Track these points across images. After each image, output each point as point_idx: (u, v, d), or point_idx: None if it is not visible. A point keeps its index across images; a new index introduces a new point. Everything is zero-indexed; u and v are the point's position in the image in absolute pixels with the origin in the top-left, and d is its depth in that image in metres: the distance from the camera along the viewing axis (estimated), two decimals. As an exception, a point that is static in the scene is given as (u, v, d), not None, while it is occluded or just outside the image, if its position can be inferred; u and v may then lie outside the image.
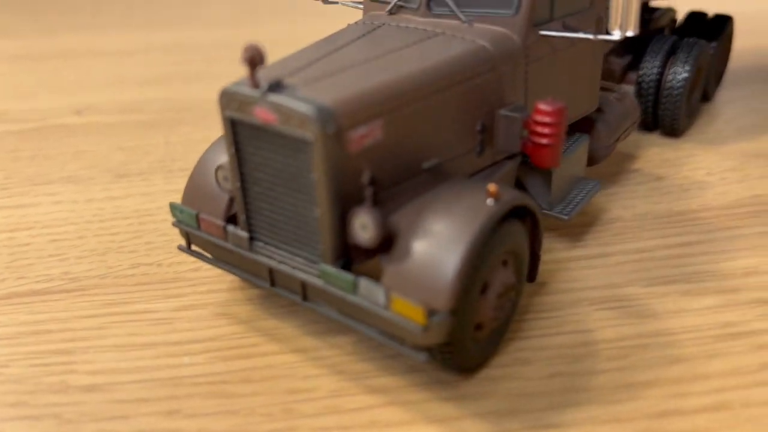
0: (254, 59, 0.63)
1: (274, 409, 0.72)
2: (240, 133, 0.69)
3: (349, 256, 0.70)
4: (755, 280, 0.90)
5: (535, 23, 0.81)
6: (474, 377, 0.75)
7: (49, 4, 2.91)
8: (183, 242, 0.84)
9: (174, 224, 0.83)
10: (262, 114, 0.65)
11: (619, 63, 1.27)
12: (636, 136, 1.34)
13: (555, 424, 0.69)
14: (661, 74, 1.25)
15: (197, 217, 0.79)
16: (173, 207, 0.82)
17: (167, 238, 1.05)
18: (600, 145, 1.01)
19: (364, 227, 0.65)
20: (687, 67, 1.23)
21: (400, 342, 0.67)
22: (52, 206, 1.16)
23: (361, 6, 0.94)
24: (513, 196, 0.70)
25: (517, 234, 0.73)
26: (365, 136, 0.65)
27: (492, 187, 0.67)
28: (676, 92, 1.24)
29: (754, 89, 1.59)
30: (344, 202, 0.67)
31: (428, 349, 0.69)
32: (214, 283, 0.93)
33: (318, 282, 0.70)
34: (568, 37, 0.82)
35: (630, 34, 0.76)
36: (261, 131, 0.67)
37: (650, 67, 1.26)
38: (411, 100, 0.69)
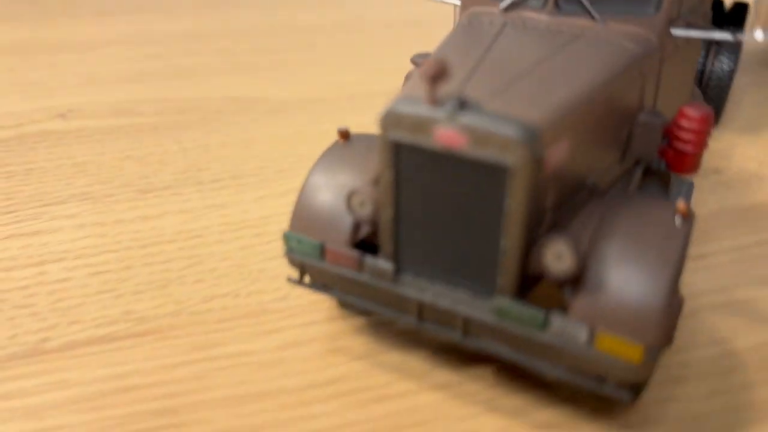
0: (438, 74, 0.54)
1: (441, 460, 0.65)
2: (404, 157, 0.60)
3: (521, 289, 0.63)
4: None
5: (668, 22, 0.77)
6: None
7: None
8: (285, 272, 0.75)
9: (287, 254, 0.73)
10: (446, 137, 0.56)
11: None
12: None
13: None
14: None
15: (322, 248, 0.70)
16: (289, 237, 0.72)
17: (231, 263, 0.93)
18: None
19: (559, 257, 0.58)
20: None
21: (598, 380, 0.62)
22: (75, 231, 1.01)
23: None
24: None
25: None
26: (556, 156, 0.59)
27: (681, 204, 0.63)
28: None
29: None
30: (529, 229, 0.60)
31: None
32: (308, 313, 0.84)
33: (489, 318, 0.63)
34: (693, 37, 0.78)
35: (775, 34, 0.73)
36: (434, 156, 0.58)
37: None
38: (588, 113, 0.63)
